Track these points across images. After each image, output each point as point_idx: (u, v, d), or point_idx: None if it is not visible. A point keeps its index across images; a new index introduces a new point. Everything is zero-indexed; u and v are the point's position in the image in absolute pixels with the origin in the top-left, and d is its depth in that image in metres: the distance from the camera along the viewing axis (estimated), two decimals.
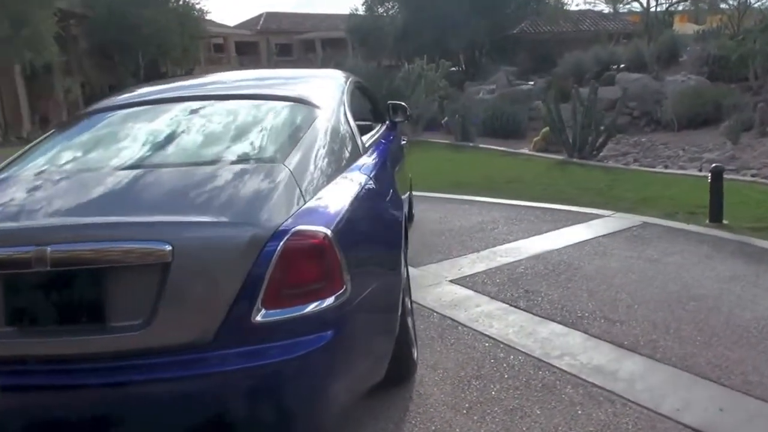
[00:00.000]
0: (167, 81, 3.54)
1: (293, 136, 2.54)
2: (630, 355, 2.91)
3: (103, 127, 2.80)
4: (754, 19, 17.25)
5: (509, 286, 3.92)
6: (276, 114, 2.75)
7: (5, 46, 16.22)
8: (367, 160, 2.89)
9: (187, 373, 1.82)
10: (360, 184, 2.49)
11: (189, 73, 27.20)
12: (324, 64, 23.57)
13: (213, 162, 2.34)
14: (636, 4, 24.38)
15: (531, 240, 4.88)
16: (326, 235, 1.95)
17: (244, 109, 2.81)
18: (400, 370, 2.69)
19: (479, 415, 2.51)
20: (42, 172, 2.40)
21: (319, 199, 2.19)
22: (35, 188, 2.25)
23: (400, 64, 15.63)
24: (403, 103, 4.65)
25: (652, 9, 20.59)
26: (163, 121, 2.72)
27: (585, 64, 16.91)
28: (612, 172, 8.18)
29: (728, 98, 12.08)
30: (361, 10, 31.05)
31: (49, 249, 1.81)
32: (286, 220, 1.96)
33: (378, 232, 2.50)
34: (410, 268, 4.32)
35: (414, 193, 6.28)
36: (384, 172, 2.93)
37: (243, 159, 2.37)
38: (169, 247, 1.81)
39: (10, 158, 2.64)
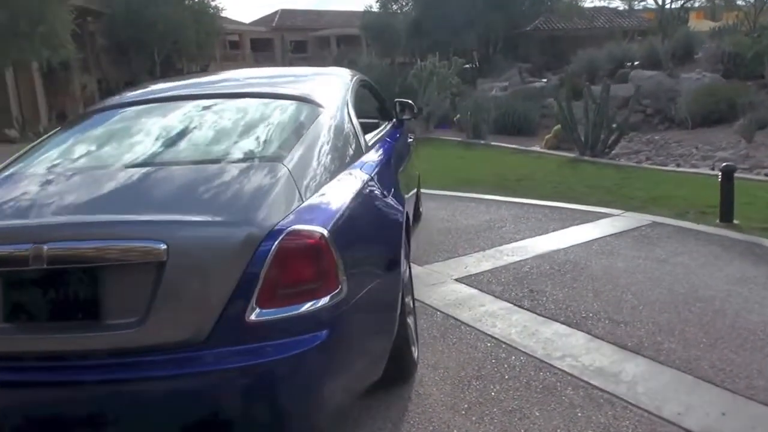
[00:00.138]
0: (172, 79, 3.56)
1: (293, 134, 2.54)
2: (633, 357, 2.88)
3: (104, 126, 2.82)
4: None
5: (514, 285, 3.89)
6: (277, 112, 2.75)
7: (23, 44, 16.38)
8: (369, 158, 2.88)
9: (182, 371, 1.83)
10: (360, 183, 2.48)
11: (204, 70, 27.34)
12: (337, 61, 23.60)
13: (211, 161, 2.36)
14: (651, 1, 24.16)
15: (538, 239, 4.85)
16: (322, 234, 1.95)
17: (245, 107, 2.81)
18: (399, 370, 2.68)
19: (477, 416, 2.50)
20: (43, 170, 2.42)
21: (317, 198, 2.19)
22: (35, 186, 2.27)
23: (414, 61, 15.57)
24: (409, 101, 4.64)
25: (667, 6, 20.39)
26: (163, 120, 2.74)
27: (599, 61, 16.74)
28: (623, 171, 8.09)
29: (743, 96, 11.91)
30: (375, 7, 31.10)
31: (45, 247, 1.83)
32: (283, 220, 1.96)
33: (376, 231, 2.49)
34: (416, 267, 4.33)
35: (423, 190, 6.28)
36: (386, 171, 2.92)
37: (241, 157, 2.37)
38: (164, 246, 1.82)
39: (14, 156, 2.67)
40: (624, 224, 5.12)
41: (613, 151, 9.64)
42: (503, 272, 4.14)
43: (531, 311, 3.48)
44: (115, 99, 3.16)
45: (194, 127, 2.67)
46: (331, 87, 3.21)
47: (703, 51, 15.72)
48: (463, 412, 2.54)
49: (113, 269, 1.87)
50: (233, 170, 2.22)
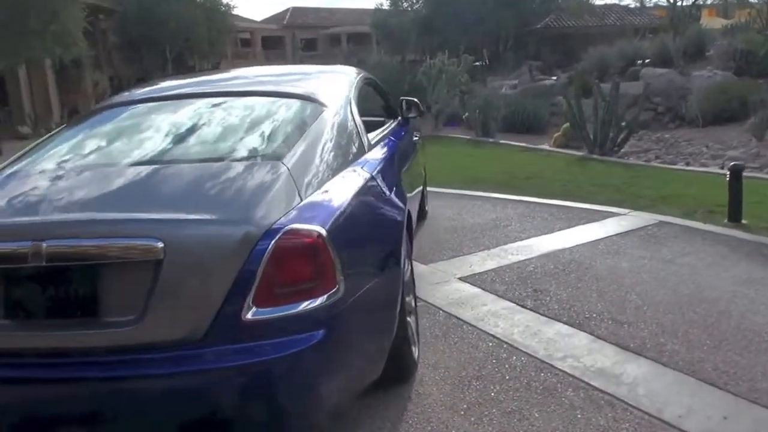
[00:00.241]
0: (176, 77, 3.57)
1: (294, 133, 2.53)
2: (635, 358, 2.85)
3: (105, 124, 2.84)
4: None
5: (518, 284, 3.87)
6: (278, 111, 2.75)
7: (35, 42, 16.51)
8: (371, 157, 2.87)
9: (179, 369, 1.84)
10: (360, 182, 2.48)
11: (215, 68, 27.42)
12: (347, 59, 23.58)
13: (210, 159, 2.36)
14: None
15: (543, 238, 4.82)
16: (320, 233, 1.94)
17: (246, 106, 2.81)
18: (399, 370, 2.68)
19: (476, 417, 2.49)
20: (44, 168, 2.44)
21: (316, 197, 2.19)
22: (36, 184, 2.29)
23: (424, 59, 15.54)
24: (415, 99, 4.62)
25: (679, 3, 20.18)
26: (163, 119, 2.75)
27: (609, 59, 16.63)
28: (632, 169, 8.03)
29: (755, 94, 11.76)
30: (386, 5, 31.03)
31: (44, 244, 1.85)
32: (281, 218, 1.96)
33: (376, 230, 2.48)
34: (420, 265, 4.32)
35: (430, 189, 6.26)
36: (387, 170, 2.91)
37: (240, 156, 2.38)
38: (161, 244, 1.82)
39: (17, 154, 2.69)
40: (631, 223, 5.08)
41: (622, 150, 9.58)
42: (507, 271, 4.12)
43: (534, 311, 3.46)
44: (117, 98, 3.18)
45: (194, 126, 2.67)
46: (334, 85, 3.20)
47: (714, 48, 15.55)
48: (462, 413, 2.53)
49: (111, 267, 1.88)
50: (232, 168, 2.22)
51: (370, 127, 3.58)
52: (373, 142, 3.11)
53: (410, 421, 2.50)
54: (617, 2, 28.44)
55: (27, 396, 1.92)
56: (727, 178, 4.95)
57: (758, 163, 8.29)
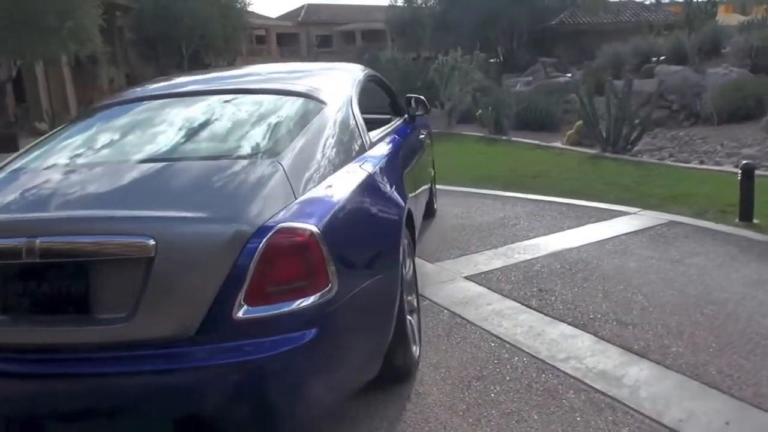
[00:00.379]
0: (178, 75, 3.57)
1: (291, 131, 2.53)
2: (638, 361, 2.82)
3: (102, 123, 2.86)
4: None
5: (523, 284, 3.84)
6: (277, 109, 2.75)
7: (51, 39, 16.69)
8: (371, 155, 2.86)
9: (169, 366, 1.85)
10: (357, 180, 2.47)
11: (231, 65, 27.54)
12: (359, 56, 23.56)
13: (205, 157, 2.37)
14: None
15: (551, 237, 4.78)
16: (312, 232, 1.94)
17: (245, 103, 2.81)
18: (398, 369, 2.68)
19: (475, 418, 2.47)
20: (41, 166, 2.46)
21: (311, 195, 2.19)
22: (33, 182, 2.31)
23: (439, 56, 15.48)
24: (421, 97, 4.59)
25: None
26: (160, 117, 2.76)
27: (624, 56, 16.42)
28: (644, 167, 7.94)
29: None
30: (400, 2, 30.92)
31: (38, 241, 1.86)
32: (273, 217, 1.96)
33: (373, 229, 2.47)
34: (427, 264, 4.31)
35: (439, 187, 6.24)
36: (388, 168, 2.89)
37: (235, 154, 2.37)
38: (152, 242, 1.83)
39: (19, 152, 2.72)
40: (640, 223, 5.02)
41: (635, 148, 9.46)
42: (514, 270, 4.10)
43: (538, 311, 3.43)
44: (115, 96, 3.20)
45: (191, 124, 2.68)
46: (336, 83, 3.19)
47: (730, 45, 15.29)
48: (461, 413, 2.51)
49: (103, 264, 1.89)
50: (226, 166, 2.23)
51: (374, 124, 3.56)
52: (374, 140, 3.10)
53: (408, 421, 2.49)
54: None
55: (19, 391, 1.94)
56: (739, 177, 4.87)
57: None
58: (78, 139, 2.71)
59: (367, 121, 3.12)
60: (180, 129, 2.63)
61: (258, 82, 3.16)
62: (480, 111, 13.05)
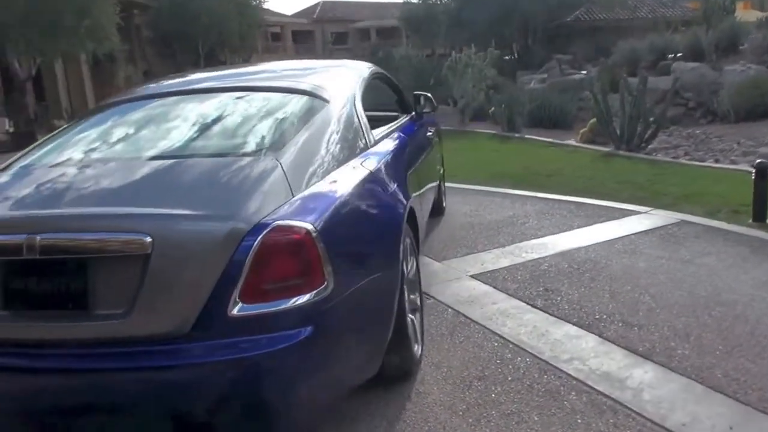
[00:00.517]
0: (182, 74, 3.57)
1: (291, 128, 2.52)
2: (643, 363, 2.77)
3: (105, 121, 2.88)
4: None
5: (530, 283, 3.81)
6: (278, 106, 2.74)
7: (69, 37, 16.89)
8: (373, 153, 2.85)
9: (165, 363, 1.85)
10: (357, 178, 2.45)
11: (246, 62, 27.68)
12: (372, 54, 23.55)
13: (203, 155, 2.37)
14: None
15: (560, 236, 4.73)
16: (307, 230, 1.93)
17: (246, 101, 2.81)
18: (399, 369, 2.66)
19: (475, 418, 2.45)
20: (44, 164, 2.49)
21: (309, 193, 2.18)
22: (35, 179, 2.33)
23: (454, 53, 15.40)
24: (428, 94, 4.57)
25: None
26: (161, 115, 2.78)
27: (640, 52, 16.22)
28: (658, 166, 7.83)
29: None
30: None
31: (38, 237, 1.89)
32: (269, 215, 1.96)
33: (371, 228, 2.45)
34: (434, 262, 4.29)
35: (450, 184, 6.21)
36: (389, 166, 2.87)
37: (234, 152, 2.37)
38: (148, 239, 1.84)
39: (24, 150, 2.74)
40: (651, 222, 4.95)
41: (650, 146, 9.35)
42: (520, 270, 4.06)
43: (544, 311, 3.40)
44: (127, 93, 3.22)
45: (191, 122, 2.69)
46: (340, 81, 3.18)
47: (749, 42, 15.02)
48: (461, 413, 2.49)
49: (101, 261, 1.90)
50: (224, 164, 2.23)
51: (380, 122, 3.55)
52: (378, 138, 3.08)
53: (408, 420, 2.48)
54: None
55: (19, 385, 1.96)
56: (753, 176, 4.79)
57: None
58: (78, 138, 2.73)
59: (373, 119, 3.10)
60: (179, 127, 2.64)
61: (260, 80, 3.17)
62: (493, 108, 12.98)
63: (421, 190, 3.70)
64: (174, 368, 1.85)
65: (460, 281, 3.95)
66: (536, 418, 2.42)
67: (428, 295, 3.69)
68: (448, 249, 4.60)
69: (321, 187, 2.25)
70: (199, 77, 3.47)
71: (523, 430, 2.36)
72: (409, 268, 2.83)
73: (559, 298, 3.55)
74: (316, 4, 45.72)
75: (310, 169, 2.30)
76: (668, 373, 2.68)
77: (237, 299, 1.85)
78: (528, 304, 3.51)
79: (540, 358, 2.88)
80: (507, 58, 23.77)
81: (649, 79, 9.67)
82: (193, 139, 2.54)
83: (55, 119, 19.35)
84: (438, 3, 29.50)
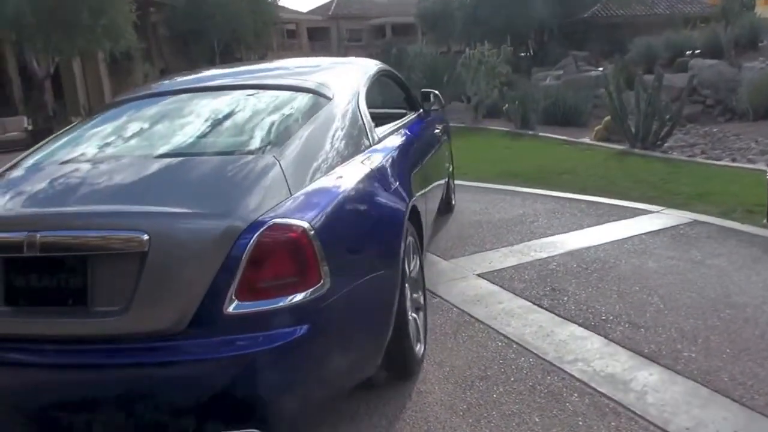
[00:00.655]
0: (186, 73, 3.58)
1: (292, 126, 2.51)
2: (648, 365, 2.73)
3: (109, 120, 2.90)
4: None
5: (537, 283, 3.77)
6: (280, 104, 2.74)
7: (86, 36, 17.09)
8: (376, 151, 2.83)
9: (160, 359, 1.86)
10: (357, 176, 2.44)
11: (261, 59, 27.80)
12: (386, 51, 23.50)
13: (202, 153, 2.38)
14: None
15: (569, 235, 4.68)
16: (304, 228, 1.93)
17: (246, 99, 2.81)
18: (399, 368, 2.65)
19: (475, 419, 2.43)
20: (47, 162, 2.51)
21: (307, 191, 2.17)
22: (38, 177, 2.36)
23: (467, 49, 15.30)
24: (436, 91, 4.55)
25: None
26: (162, 114, 2.79)
27: (657, 49, 16.02)
28: (673, 164, 7.72)
29: None
30: None
31: (38, 235, 1.91)
32: (266, 212, 1.96)
33: (370, 226, 2.43)
34: (441, 261, 4.27)
35: (460, 182, 6.18)
36: (392, 164, 2.85)
37: (233, 150, 2.38)
38: (146, 237, 1.85)
39: (31, 149, 2.77)
40: (663, 222, 4.88)
41: (666, 144, 9.22)
42: (528, 269, 4.03)
43: (549, 311, 3.37)
44: (131, 92, 3.24)
45: (192, 120, 2.69)
46: (345, 78, 3.16)
47: None
48: (462, 413, 2.48)
49: (99, 258, 1.92)
50: (222, 162, 2.24)
51: (387, 120, 3.53)
52: (382, 136, 3.06)
53: (408, 420, 2.46)
54: None
55: (18, 380, 1.98)
56: (767, 174, 4.70)
57: None
58: (81, 137, 2.75)
59: (380, 117, 3.07)
60: (179, 126, 2.65)
61: (263, 78, 3.16)
62: (507, 105, 12.89)
63: (427, 188, 3.67)
64: (170, 365, 1.86)
65: (466, 280, 3.93)
66: (537, 420, 2.40)
67: (434, 293, 3.67)
68: (455, 247, 4.58)
69: (320, 184, 2.24)
70: (203, 75, 3.47)
71: (523, 431, 2.34)
72: (411, 267, 2.82)
73: (565, 298, 3.51)
74: (332, 1, 45.74)
75: (310, 167, 2.29)
76: (673, 375, 2.63)
77: (233, 297, 1.86)
78: (534, 303, 3.48)
79: (544, 359, 2.85)
80: (523, 54, 23.63)
81: (666, 76, 9.53)
82: (193, 138, 2.55)
83: (73, 116, 19.55)
84: (454, 0, 29.38)
